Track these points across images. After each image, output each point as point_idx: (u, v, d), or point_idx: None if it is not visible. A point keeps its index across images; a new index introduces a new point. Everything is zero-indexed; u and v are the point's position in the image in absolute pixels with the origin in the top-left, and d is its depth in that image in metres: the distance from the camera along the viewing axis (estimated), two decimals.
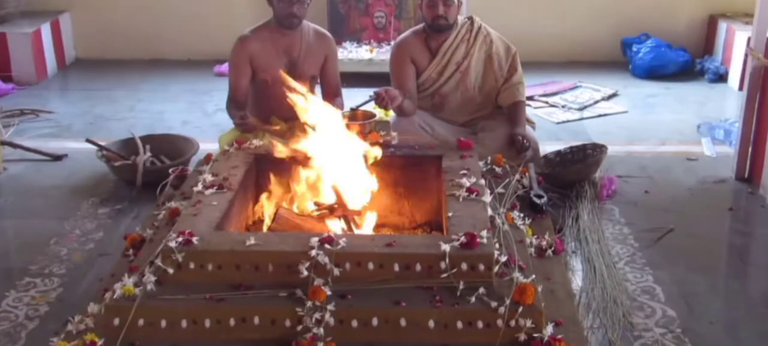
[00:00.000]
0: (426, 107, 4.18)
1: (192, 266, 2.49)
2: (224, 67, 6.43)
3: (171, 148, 4.36)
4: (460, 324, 2.34)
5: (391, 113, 4.14)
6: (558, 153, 4.17)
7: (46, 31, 6.58)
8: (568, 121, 5.36)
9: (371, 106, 3.82)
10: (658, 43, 6.53)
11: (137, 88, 6.26)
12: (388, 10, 6.72)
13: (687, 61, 6.51)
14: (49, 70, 6.59)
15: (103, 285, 2.69)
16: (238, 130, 3.81)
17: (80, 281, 3.17)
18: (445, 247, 2.47)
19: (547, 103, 5.71)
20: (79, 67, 6.92)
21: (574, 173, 3.93)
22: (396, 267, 2.46)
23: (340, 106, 4.12)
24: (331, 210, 3.05)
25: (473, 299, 2.37)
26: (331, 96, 4.23)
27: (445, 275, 2.44)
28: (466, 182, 2.98)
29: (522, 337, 2.32)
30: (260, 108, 4.18)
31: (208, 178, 3.06)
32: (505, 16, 6.71)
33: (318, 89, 4.34)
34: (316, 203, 3.12)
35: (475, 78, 4.14)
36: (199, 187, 2.98)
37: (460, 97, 4.16)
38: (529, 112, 4.95)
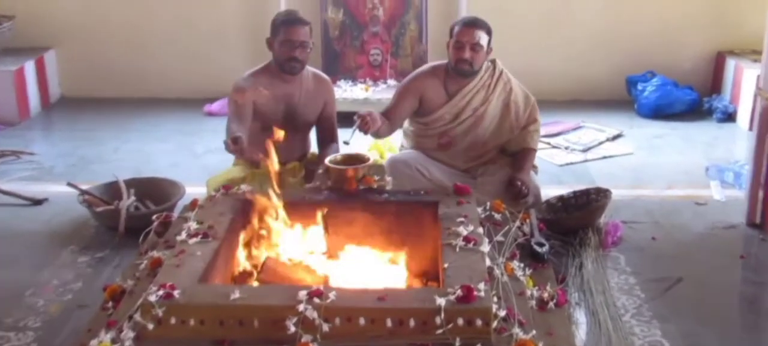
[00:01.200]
0: (431, 146, 4.16)
1: (173, 321, 2.44)
2: (215, 107, 6.43)
3: (157, 193, 4.33)
4: None
5: (386, 157, 4.12)
6: (560, 198, 4.15)
7: (30, 68, 6.58)
8: (571, 163, 5.34)
9: (356, 135, 3.79)
10: (664, 81, 6.53)
11: (124, 128, 6.24)
12: (385, 48, 6.73)
13: (694, 100, 6.50)
14: (33, 109, 6.57)
15: (80, 340, 2.63)
16: (228, 151, 3.78)
17: (56, 335, 3.11)
18: (441, 301, 2.42)
19: (549, 144, 5.70)
20: (63, 106, 6.90)
21: (577, 219, 3.90)
22: (388, 322, 2.41)
23: (335, 151, 4.11)
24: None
25: None
26: (327, 142, 4.23)
27: (440, 331, 2.39)
28: (463, 230, 2.94)
29: None
30: (252, 152, 4.16)
31: (193, 225, 3.02)
32: (505, 53, 6.63)
33: (313, 135, 4.33)
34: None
35: (489, 124, 4.14)
36: (183, 235, 2.94)
37: (469, 141, 4.14)
38: None
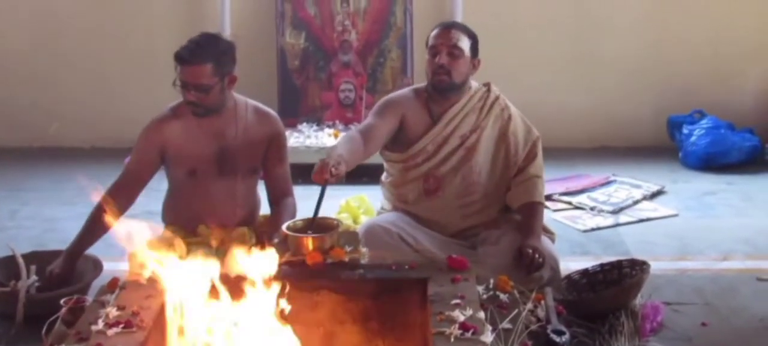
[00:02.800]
0: (415, 195, 4.23)
1: None
2: None
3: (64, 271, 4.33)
4: None
5: (362, 221, 4.16)
6: (585, 273, 4.18)
7: None
8: (598, 228, 5.40)
9: (337, 213, 3.83)
10: (715, 123, 6.61)
11: (22, 186, 6.25)
12: (358, 82, 6.79)
13: (754, 147, 6.58)
14: None
15: None
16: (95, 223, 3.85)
17: None
18: None
19: (570, 204, 5.77)
20: None
21: (606, 301, 3.92)
22: None
23: (291, 212, 4.15)
24: None
25: None
26: (278, 196, 4.25)
27: None
28: (459, 315, 2.97)
29: None
30: (182, 213, 4.20)
31: (113, 312, 3.04)
32: (517, 86, 6.75)
33: (262, 187, 4.37)
34: None
35: (483, 158, 4.21)
36: (100, 325, 2.96)
37: (460, 182, 4.21)
38: (547, 217, 4.97)
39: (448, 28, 4.13)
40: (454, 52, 4.06)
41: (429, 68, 4.13)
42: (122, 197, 4.06)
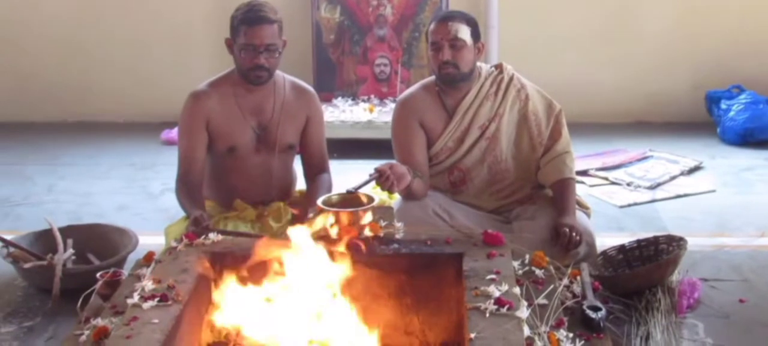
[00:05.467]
0: (442, 187, 4.21)
1: None
2: (174, 134, 6.48)
3: (101, 244, 4.37)
4: None
5: (396, 196, 4.16)
6: (621, 249, 4.16)
7: None
8: (635, 203, 5.38)
9: (371, 188, 3.84)
10: (754, 98, 6.57)
11: (58, 161, 6.31)
12: (393, 56, 6.80)
13: None
14: None
15: None
16: (189, 230, 3.81)
17: None
18: None
19: (606, 179, 5.75)
20: None
21: (643, 277, 3.91)
22: None
23: (327, 187, 4.16)
24: None
25: None
26: (314, 172, 4.27)
27: None
28: (494, 291, 2.97)
29: None
30: (220, 188, 4.22)
31: (149, 285, 3.05)
32: (552, 62, 6.79)
33: (298, 164, 4.39)
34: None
35: (506, 145, 4.18)
36: (136, 298, 2.98)
37: (486, 172, 4.19)
38: (583, 192, 4.96)
39: (445, 20, 4.02)
40: (456, 43, 3.98)
41: (434, 64, 4.06)
42: (195, 188, 4.06)
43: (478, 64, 4.16)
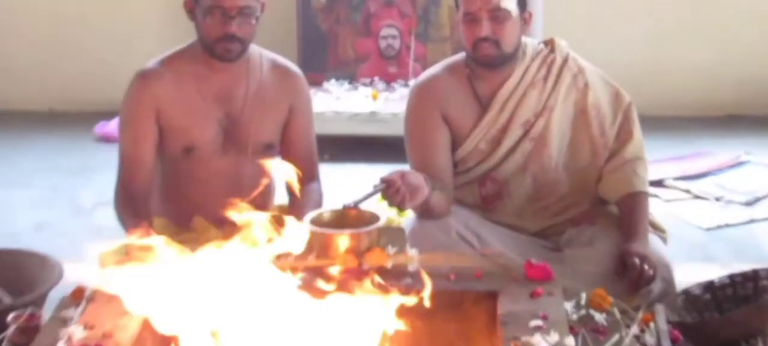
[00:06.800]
0: (471, 202, 4.21)
1: None
2: (113, 127, 6.49)
3: (13, 275, 4.36)
4: None
5: (408, 214, 4.15)
6: (709, 286, 4.16)
7: None
8: (726, 225, 5.39)
9: (375, 203, 3.84)
10: None
11: None
12: (405, 26, 6.79)
13: None
14: None
15: None
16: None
17: None
18: None
19: (688, 192, 5.77)
20: None
21: (738, 324, 3.90)
22: None
23: (317, 201, 4.16)
24: None
25: None
26: (303, 181, 4.25)
27: None
28: (540, 342, 2.97)
29: None
30: (174, 200, 4.22)
31: (78, 333, 3.06)
32: (615, 38, 6.81)
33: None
34: None
35: (558, 149, 4.16)
36: None
37: (530, 184, 4.17)
38: (657, 209, 4.95)
39: None
40: (498, 14, 3.91)
41: (467, 40, 3.99)
42: (140, 200, 4.04)
43: (523, 39, 4.14)
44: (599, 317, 3.39)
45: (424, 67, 6.52)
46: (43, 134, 6.80)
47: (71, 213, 5.57)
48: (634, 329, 3.34)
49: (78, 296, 3.49)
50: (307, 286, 3.08)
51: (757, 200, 5.65)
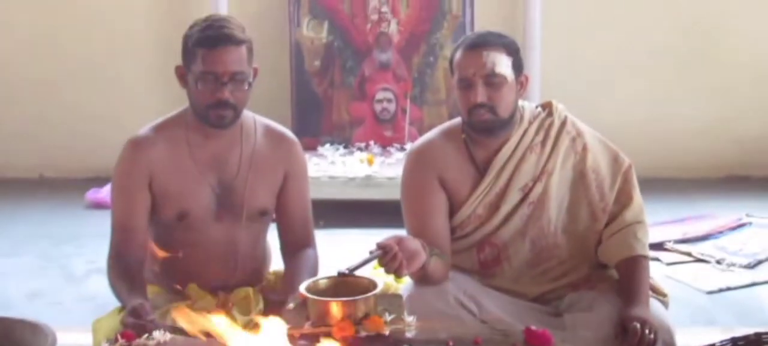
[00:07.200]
0: (469, 268, 4.17)
1: None
2: (105, 194, 6.47)
3: (5, 344, 4.34)
4: None
5: (406, 280, 4.13)
6: None
7: None
8: (728, 288, 5.37)
9: (371, 269, 3.82)
10: None
11: None
12: (400, 89, 6.80)
13: None
14: None
15: None
16: (124, 325, 3.76)
17: None
18: None
19: (689, 255, 5.74)
20: None
21: None
22: None
23: (312, 267, 4.13)
24: None
25: None
26: (295, 247, 4.24)
27: None
28: None
29: None
30: (168, 268, 4.19)
31: None
32: (611, 97, 6.82)
33: (273, 234, 4.35)
34: None
35: (556, 213, 4.13)
36: None
37: (529, 249, 4.14)
38: (658, 273, 4.94)
39: (478, 47, 3.94)
40: (494, 80, 3.90)
41: (462, 106, 3.98)
42: (133, 267, 3.99)
43: (520, 103, 4.13)
44: None
45: (420, 131, 6.56)
46: (33, 201, 6.78)
47: (63, 281, 5.55)
48: None
49: None
50: None
51: (759, 262, 5.63)
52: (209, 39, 3.87)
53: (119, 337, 3.47)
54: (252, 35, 3.99)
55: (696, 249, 5.79)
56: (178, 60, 4.01)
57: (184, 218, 4.07)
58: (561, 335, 3.61)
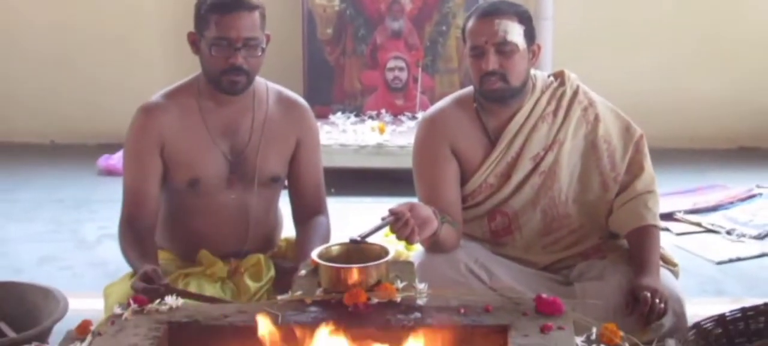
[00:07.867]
0: (480, 236, 4.20)
1: None
2: (117, 160, 6.49)
3: (17, 309, 4.35)
4: None
5: (417, 247, 4.14)
6: (720, 320, 4.14)
7: None
8: (738, 259, 5.38)
9: (383, 236, 3.83)
10: None
11: None
12: (412, 58, 6.79)
13: None
14: None
15: None
16: (136, 290, 3.76)
17: None
18: None
19: (699, 225, 5.76)
20: None
21: None
22: None
23: (324, 234, 4.14)
24: None
25: None
26: (307, 214, 4.24)
27: None
28: None
29: None
30: (179, 234, 4.20)
31: None
32: (626, 71, 6.81)
33: (285, 201, 4.37)
34: None
35: (568, 182, 4.15)
36: None
37: (540, 218, 4.16)
38: (669, 242, 4.95)
39: (490, 15, 3.94)
40: (505, 48, 3.91)
41: (474, 74, 3.99)
42: (145, 234, 4.03)
43: (533, 72, 4.14)
44: None
45: (432, 99, 6.55)
46: (45, 167, 6.80)
47: (75, 246, 5.58)
48: None
49: (83, 329, 3.48)
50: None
51: None
52: (223, 5, 3.88)
53: (131, 302, 3.48)
54: (264, 2, 4.00)
55: (706, 219, 5.80)
56: (189, 26, 4.02)
57: (195, 185, 4.08)
58: (571, 303, 3.61)
